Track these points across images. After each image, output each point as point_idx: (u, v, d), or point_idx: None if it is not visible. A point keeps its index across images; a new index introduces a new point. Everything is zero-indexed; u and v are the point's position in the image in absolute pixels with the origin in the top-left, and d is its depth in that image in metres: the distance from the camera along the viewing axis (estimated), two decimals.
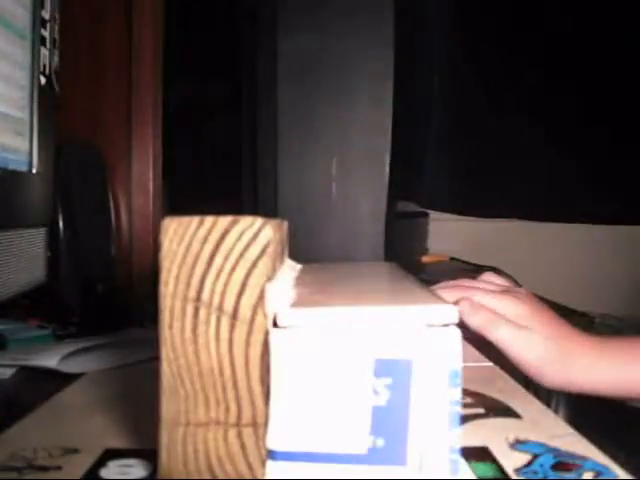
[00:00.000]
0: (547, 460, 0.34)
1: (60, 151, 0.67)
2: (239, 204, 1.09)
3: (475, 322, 0.55)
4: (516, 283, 1.41)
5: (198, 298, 0.27)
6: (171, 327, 0.27)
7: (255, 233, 0.28)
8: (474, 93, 1.55)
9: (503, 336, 0.55)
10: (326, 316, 0.28)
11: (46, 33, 0.60)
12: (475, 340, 0.57)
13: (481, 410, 0.43)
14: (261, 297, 0.27)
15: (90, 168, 0.87)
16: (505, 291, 0.61)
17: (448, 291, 0.59)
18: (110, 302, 0.83)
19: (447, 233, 1.63)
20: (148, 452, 0.33)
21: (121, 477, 0.32)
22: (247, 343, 0.27)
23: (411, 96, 1.21)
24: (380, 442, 0.27)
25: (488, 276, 0.66)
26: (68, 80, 0.69)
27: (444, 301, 0.30)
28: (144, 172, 0.98)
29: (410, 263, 1.28)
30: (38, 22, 0.58)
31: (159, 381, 0.28)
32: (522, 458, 0.35)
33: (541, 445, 0.37)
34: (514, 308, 0.57)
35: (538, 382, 0.55)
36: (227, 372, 0.27)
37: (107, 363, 0.55)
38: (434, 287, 0.61)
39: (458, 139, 1.59)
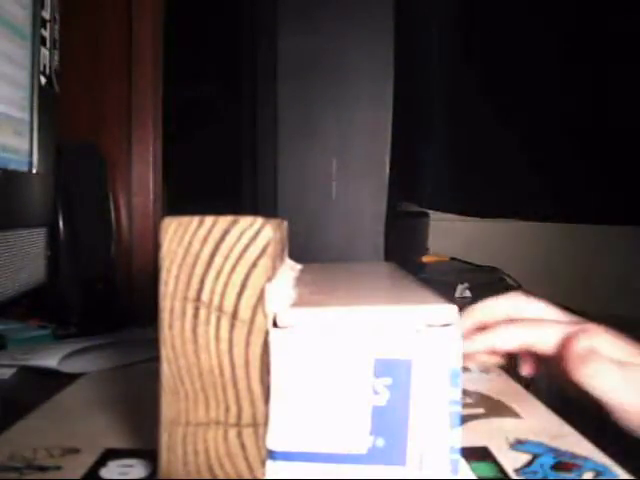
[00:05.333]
0: (547, 460, 0.34)
1: (60, 151, 0.67)
2: (239, 204, 1.09)
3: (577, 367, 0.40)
4: (515, 282, 1.41)
5: (198, 298, 0.27)
6: (171, 327, 0.27)
7: (255, 233, 0.28)
8: (475, 93, 1.55)
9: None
10: (326, 316, 0.28)
11: (46, 33, 0.60)
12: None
13: (481, 410, 0.43)
14: (261, 297, 0.27)
15: (90, 168, 0.87)
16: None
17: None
18: (110, 302, 0.83)
19: (447, 233, 1.64)
20: (148, 452, 0.33)
21: (121, 477, 0.32)
22: (247, 343, 0.27)
23: (411, 96, 1.21)
24: (380, 442, 0.27)
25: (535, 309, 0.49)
26: (68, 80, 0.69)
27: (444, 301, 0.30)
28: (144, 172, 0.98)
29: (410, 263, 1.28)
30: (38, 22, 0.58)
31: (159, 381, 0.28)
32: (522, 458, 0.35)
33: (541, 445, 0.37)
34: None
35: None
36: (227, 372, 0.27)
37: (107, 363, 0.55)
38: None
39: (458, 139, 1.59)
